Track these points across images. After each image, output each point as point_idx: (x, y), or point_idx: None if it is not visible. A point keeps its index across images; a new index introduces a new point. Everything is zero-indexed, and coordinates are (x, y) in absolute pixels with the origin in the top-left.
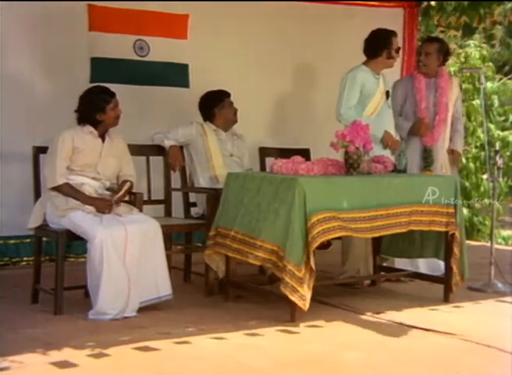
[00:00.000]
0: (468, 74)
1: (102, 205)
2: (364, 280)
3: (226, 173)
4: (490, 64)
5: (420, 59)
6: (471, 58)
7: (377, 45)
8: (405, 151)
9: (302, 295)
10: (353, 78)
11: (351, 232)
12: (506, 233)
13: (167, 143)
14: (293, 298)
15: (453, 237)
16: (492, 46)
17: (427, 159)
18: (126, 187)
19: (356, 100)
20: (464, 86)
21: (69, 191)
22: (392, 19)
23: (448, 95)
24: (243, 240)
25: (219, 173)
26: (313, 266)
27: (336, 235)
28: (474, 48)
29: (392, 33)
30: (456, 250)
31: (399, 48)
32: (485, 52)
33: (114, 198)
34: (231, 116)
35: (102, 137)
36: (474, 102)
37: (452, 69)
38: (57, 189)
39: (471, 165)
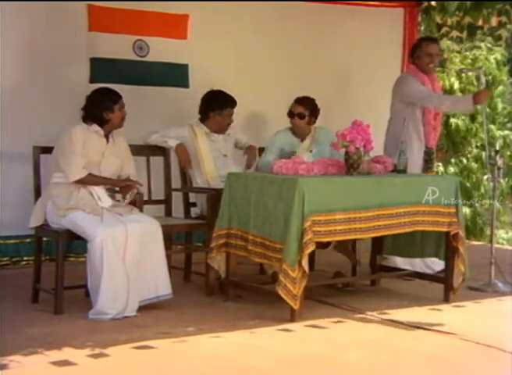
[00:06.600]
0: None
1: (128, 187)
2: (364, 280)
3: (218, 175)
4: (503, 68)
5: (426, 60)
6: (480, 61)
7: None
8: (405, 151)
9: (294, 295)
10: None
11: (348, 234)
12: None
13: (172, 142)
14: (286, 297)
15: (456, 236)
16: (499, 47)
17: (430, 161)
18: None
19: None
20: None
21: (94, 179)
22: (392, 19)
23: None
24: (263, 243)
25: (210, 175)
26: (306, 269)
27: (331, 239)
28: (486, 52)
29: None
30: (461, 249)
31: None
32: (498, 56)
33: (123, 203)
34: (224, 126)
35: (106, 137)
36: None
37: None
38: (82, 181)
39: (472, 164)
